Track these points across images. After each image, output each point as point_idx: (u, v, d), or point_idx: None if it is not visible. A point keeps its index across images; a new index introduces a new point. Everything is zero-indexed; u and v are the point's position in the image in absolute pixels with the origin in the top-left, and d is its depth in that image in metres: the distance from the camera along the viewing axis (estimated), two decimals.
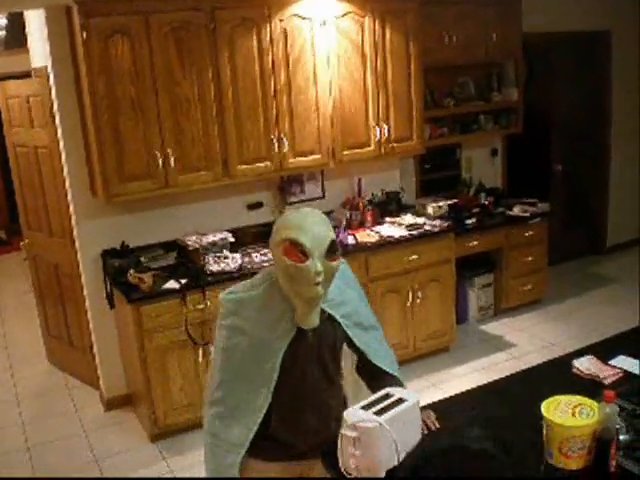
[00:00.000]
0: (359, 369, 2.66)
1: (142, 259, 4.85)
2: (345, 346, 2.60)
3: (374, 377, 2.59)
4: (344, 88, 5.19)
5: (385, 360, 2.60)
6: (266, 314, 2.36)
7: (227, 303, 2.42)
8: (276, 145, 4.97)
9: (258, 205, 5.45)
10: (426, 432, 2.46)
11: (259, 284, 2.41)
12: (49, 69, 4.75)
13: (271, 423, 2.44)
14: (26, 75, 5.48)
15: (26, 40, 5.44)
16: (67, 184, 4.92)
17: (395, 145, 5.52)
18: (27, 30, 5.35)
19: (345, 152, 5.29)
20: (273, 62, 4.87)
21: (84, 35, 4.25)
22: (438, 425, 2.54)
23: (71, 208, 4.93)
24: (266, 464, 2.52)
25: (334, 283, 2.38)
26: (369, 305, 2.68)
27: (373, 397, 2.38)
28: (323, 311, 2.39)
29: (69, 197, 4.93)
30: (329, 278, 2.29)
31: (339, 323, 2.45)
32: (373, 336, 2.61)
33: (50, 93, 4.83)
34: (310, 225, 2.23)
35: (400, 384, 2.55)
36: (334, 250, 2.27)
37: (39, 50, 5.00)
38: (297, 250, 2.22)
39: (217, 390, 2.44)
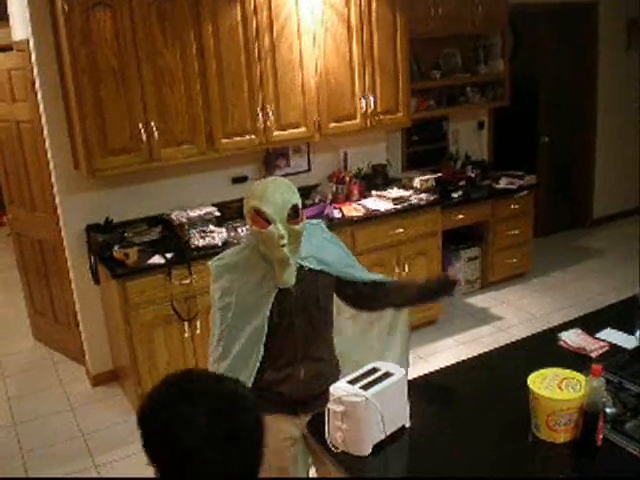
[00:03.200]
0: (361, 303, 2.85)
1: (126, 234, 4.81)
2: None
3: (388, 290, 2.82)
4: (330, 60, 5.13)
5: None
6: (250, 275, 2.59)
7: (215, 268, 2.67)
8: (261, 118, 4.92)
9: (243, 179, 5.41)
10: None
11: (243, 249, 2.67)
12: (30, 42, 4.66)
13: (266, 376, 2.64)
14: (7, 49, 5.39)
15: (7, 13, 5.35)
16: (50, 159, 4.86)
17: (381, 117, 5.48)
18: (8, 3, 5.25)
19: (331, 125, 5.25)
20: (257, 33, 4.80)
21: (65, 7, 4.16)
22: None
23: (54, 183, 4.88)
24: (268, 416, 2.64)
25: (311, 242, 2.64)
26: (357, 259, 2.88)
27: (360, 371, 2.41)
28: (302, 267, 2.59)
29: (52, 172, 4.88)
30: (295, 240, 2.50)
31: (324, 273, 2.64)
32: (366, 273, 2.83)
33: (32, 67, 4.75)
34: (271, 194, 2.45)
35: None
36: (296, 214, 2.48)
37: (20, 23, 4.91)
38: (261, 218, 2.45)
39: (217, 347, 2.68)
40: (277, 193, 2.45)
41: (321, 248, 2.68)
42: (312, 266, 2.60)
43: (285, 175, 5.48)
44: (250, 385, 2.61)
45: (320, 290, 2.64)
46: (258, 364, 2.61)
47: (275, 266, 2.52)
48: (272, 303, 2.55)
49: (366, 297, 2.81)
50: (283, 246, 2.45)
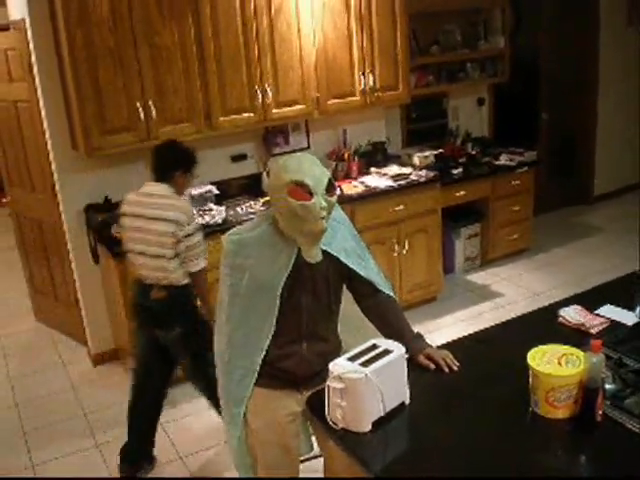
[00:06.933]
0: (363, 304, 2.79)
1: None
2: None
3: (380, 305, 2.76)
4: (328, 36, 5.09)
5: (387, 288, 2.79)
6: (266, 252, 2.57)
7: (229, 244, 2.64)
8: (259, 95, 4.89)
9: (242, 157, 5.39)
10: (447, 370, 2.59)
11: (259, 224, 2.64)
12: (27, 22, 4.62)
13: (269, 352, 2.64)
14: (4, 28, 5.35)
15: None
16: (48, 138, 4.84)
17: (381, 94, 5.45)
18: None
19: (330, 102, 5.22)
20: (255, 10, 4.76)
21: None
22: (457, 364, 2.61)
23: (52, 163, 4.87)
24: (270, 392, 2.70)
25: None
26: (361, 240, 2.84)
27: (359, 348, 2.41)
28: None
29: (50, 152, 4.86)
30: (330, 212, 2.50)
31: (336, 258, 2.61)
32: (372, 268, 2.78)
33: (28, 46, 4.72)
34: (309, 166, 2.46)
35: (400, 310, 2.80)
36: (332, 187, 2.50)
37: (17, 2, 4.87)
38: (303, 190, 2.41)
39: (226, 324, 2.68)
40: (315, 166, 2.47)
41: (336, 231, 2.65)
42: (327, 248, 2.58)
43: (284, 153, 5.46)
44: (262, 356, 2.63)
45: (331, 272, 2.62)
46: (269, 340, 2.61)
47: (304, 242, 2.51)
48: (284, 280, 2.54)
49: (359, 295, 2.79)
50: (323, 218, 2.44)
